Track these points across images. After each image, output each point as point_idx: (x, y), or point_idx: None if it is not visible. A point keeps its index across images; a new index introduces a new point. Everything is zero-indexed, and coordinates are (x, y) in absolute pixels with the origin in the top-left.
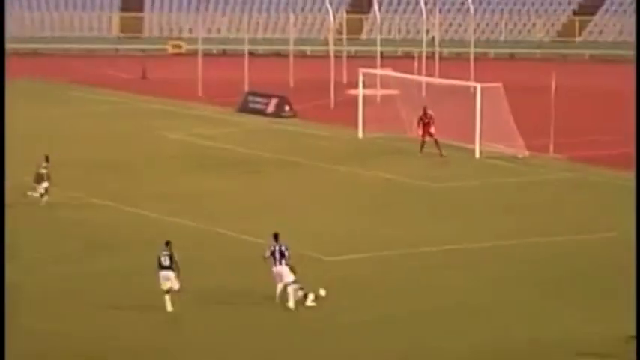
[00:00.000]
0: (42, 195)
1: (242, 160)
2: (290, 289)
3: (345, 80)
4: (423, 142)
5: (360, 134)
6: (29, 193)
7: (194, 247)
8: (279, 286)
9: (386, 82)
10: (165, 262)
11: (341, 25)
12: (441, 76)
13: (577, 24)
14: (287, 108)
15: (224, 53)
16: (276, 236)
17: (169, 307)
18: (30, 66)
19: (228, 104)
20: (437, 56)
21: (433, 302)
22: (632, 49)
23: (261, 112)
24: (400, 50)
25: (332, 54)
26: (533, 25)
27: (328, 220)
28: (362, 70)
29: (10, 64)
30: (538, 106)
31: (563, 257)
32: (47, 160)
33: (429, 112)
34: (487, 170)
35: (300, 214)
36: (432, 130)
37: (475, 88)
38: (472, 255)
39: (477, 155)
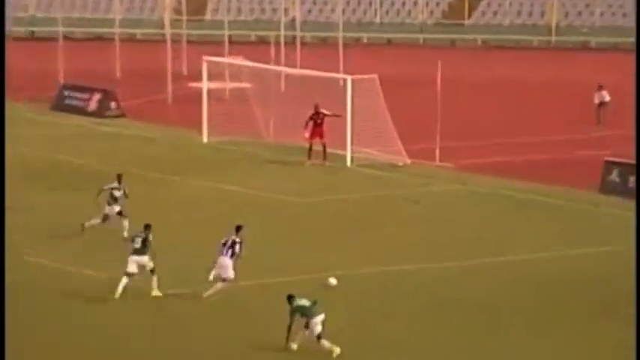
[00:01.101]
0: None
1: (56, 170)
2: (219, 285)
3: (185, 71)
4: (311, 147)
5: (205, 138)
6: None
7: None
8: (212, 274)
9: (236, 74)
10: (137, 244)
11: (179, 2)
12: (303, 66)
13: (466, 4)
14: (113, 105)
15: (32, 36)
16: (238, 228)
17: (119, 292)
18: None
19: (39, 101)
20: (298, 41)
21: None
22: (535, 34)
23: (81, 111)
24: (253, 34)
25: (169, 38)
26: (415, 4)
27: (158, 247)
28: (206, 59)
29: None
30: (421, 102)
31: (456, 283)
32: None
33: (322, 110)
34: (360, 181)
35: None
36: (324, 132)
37: (345, 80)
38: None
39: (349, 163)
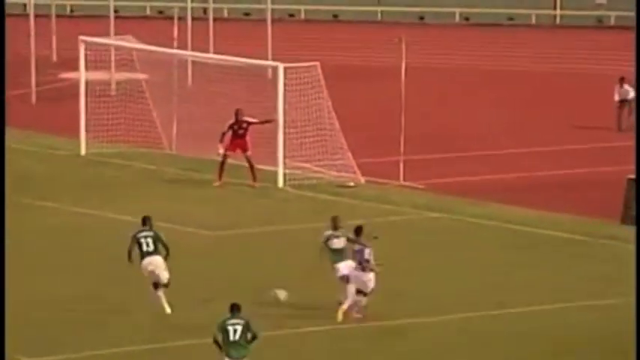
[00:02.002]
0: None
1: None
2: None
3: (55, 57)
4: (224, 162)
5: (83, 148)
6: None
7: None
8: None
9: (126, 61)
10: (149, 246)
11: None
12: (217, 51)
13: None
14: None
15: None
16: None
17: (168, 309)
18: None
19: None
20: (210, 17)
21: None
22: (533, 7)
23: None
24: (148, 6)
25: (32, 11)
26: None
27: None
28: (83, 39)
29: None
30: (379, 99)
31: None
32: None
33: (246, 118)
34: (296, 208)
35: None
36: (247, 144)
37: (275, 69)
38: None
39: (281, 183)
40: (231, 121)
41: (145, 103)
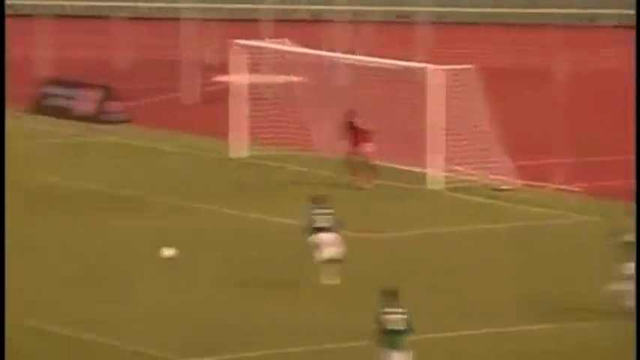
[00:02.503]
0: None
1: (38, 193)
2: None
3: (209, 60)
4: (351, 161)
5: (232, 151)
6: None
7: None
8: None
9: (279, 64)
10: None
11: None
12: (371, 52)
13: None
14: (114, 106)
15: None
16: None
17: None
18: None
19: (14, 101)
20: (357, 20)
21: None
22: None
23: (70, 114)
24: (305, 10)
25: (186, 16)
26: None
27: (186, 301)
28: (237, 43)
29: None
30: (532, 102)
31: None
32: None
33: (356, 118)
34: (446, 210)
35: (136, 285)
36: (368, 146)
37: (427, 71)
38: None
39: (434, 185)
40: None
41: (297, 105)
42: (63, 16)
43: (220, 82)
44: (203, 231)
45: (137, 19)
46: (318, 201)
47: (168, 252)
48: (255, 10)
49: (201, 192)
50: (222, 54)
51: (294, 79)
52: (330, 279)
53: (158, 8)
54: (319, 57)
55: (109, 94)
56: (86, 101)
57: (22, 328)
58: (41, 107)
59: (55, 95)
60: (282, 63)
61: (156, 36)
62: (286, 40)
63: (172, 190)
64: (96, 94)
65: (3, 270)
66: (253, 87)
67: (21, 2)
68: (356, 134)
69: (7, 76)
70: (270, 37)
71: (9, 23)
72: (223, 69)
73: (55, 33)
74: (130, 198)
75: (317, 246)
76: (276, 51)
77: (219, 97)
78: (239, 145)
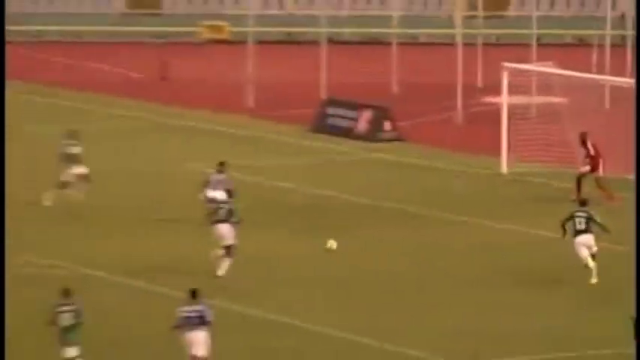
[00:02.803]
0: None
1: (317, 208)
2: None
3: (479, 82)
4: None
5: (504, 167)
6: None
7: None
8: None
9: (545, 85)
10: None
11: None
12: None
13: None
14: (388, 125)
15: (289, 39)
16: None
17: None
18: None
19: (296, 120)
20: (628, 43)
21: None
22: None
23: (347, 133)
24: (570, 34)
25: (460, 40)
26: None
27: (463, 313)
28: (507, 66)
29: None
30: None
31: None
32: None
33: (588, 142)
34: None
35: (413, 302)
36: (599, 165)
37: None
38: None
39: None
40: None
41: (562, 126)
42: (342, 42)
43: (491, 103)
44: (475, 243)
45: (414, 44)
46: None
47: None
48: (524, 34)
49: (473, 206)
50: (493, 76)
51: (558, 99)
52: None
53: (431, 34)
54: (582, 79)
55: (385, 114)
56: (364, 121)
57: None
58: (322, 126)
59: (336, 115)
60: (547, 84)
61: (431, 60)
62: (551, 62)
63: (445, 205)
64: (373, 115)
65: (3, 270)
66: (521, 107)
67: (303, 30)
68: (588, 154)
69: (287, 98)
70: (537, 60)
71: (294, 50)
72: (494, 90)
73: (334, 57)
74: (401, 212)
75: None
76: (541, 73)
77: (490, 116)
78: (508, 162)
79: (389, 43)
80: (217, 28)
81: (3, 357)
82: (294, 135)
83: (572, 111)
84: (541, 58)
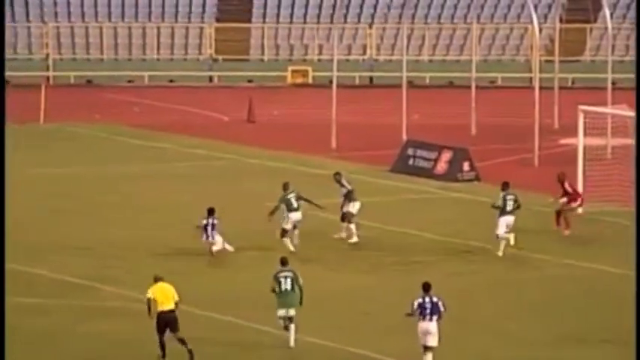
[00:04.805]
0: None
1: (397, 246)
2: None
3: (556, 124)
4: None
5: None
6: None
7: None
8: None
9: (621, 127)
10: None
11: (551, 38)
12: None
13: None
14: (466, 166)
15: (370, 83)
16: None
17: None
18: (77, 102)
19: (377, 161)
20: None
21: None
22: None
23: (427, 173)
24: None
25: (537, 83)
26: None
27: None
28: (583, 109)
29: (40, 97)
30: None
31: None
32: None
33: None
34: None
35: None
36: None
37: None
38: None
39: None
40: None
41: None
42: (423, 86)
43: (566, 144)
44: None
45: (492, 87)
46: None
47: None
48: (599, 78)
49: (537, 242)
50: (568, 118)
51: (632, 141)
52: None
53: (509, 78)
54: None
55: (464, 155)
56: (443, 162)
57: None
58: (403, 167)
59: (416, 156)
60: (621, 126)
61: (509, 103)
62: (625, 105)
63: (519, 242)
64: (452, 156)
65: (3, 268)
66: (596, 148)
67: (384, 74)
68: (564, 193)
69: (369, 140)
70: (612, 103)
71: (376, 93)
72: (569, 132)
73: (415, 100)
74: (479, 249)
75: None
76: (616, 115)
77: (565, 158)
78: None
79: (468, 87)
80: (301, 73)
81: (3, 356)
82: (374, 175)
83: None
84: (616, 102)
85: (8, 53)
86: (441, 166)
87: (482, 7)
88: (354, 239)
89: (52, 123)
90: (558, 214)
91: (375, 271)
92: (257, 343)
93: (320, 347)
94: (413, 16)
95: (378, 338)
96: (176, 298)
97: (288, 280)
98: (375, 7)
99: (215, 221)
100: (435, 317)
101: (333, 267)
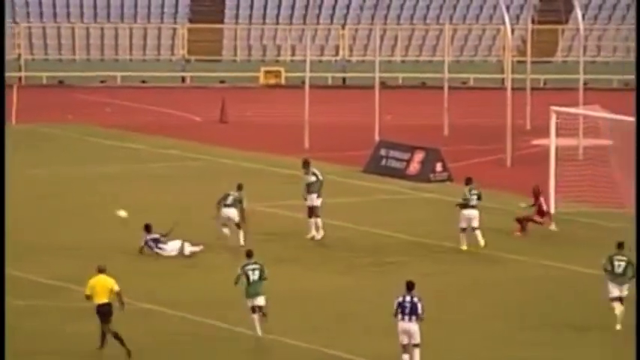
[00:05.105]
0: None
1: (370, 246)
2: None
3: (528, 124)
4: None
5: (552, 207)
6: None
7: None
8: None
9: (592, 128)
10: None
11: (523, 39)
12: None
13: None
14: (439, 167)
15: (343, 84)
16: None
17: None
18: (49, 102)
19: (350, 161)
20: None
21: None
22: None
23: (399, 174)
24: (615, 79)
25: (509, 84)
26: None
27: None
28: (555, 109)
29: (12, 97)
30: None
31: None
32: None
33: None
34: None
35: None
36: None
37: None
38: None
39: None
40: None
41: (608, 166)
42: (395, 87)
43: (539, 145)
44: (518, 278)
45: (464, 88)
46: None
47: (122, 213)
48: (571, 79)
49: (510, 243)
50: (540, 119)
51: (604, 141)
52: None
53: (481, 79)
54: (628, 122)
55: (436, 156)
56: (415, 163)
57: None
58: (375, 167)
59: (388, 157)
60: (593, 126)
61: (481, 104)
62: (597, 105)
63: (492, 243)
64: (424, 156)
65: (3, 268)
66: (568, 149)
67: (357, 75)
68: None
69: (341, 140)
70: (584, 104)
71: (348, 94)
72: (542, 133)
73: (387, 101)
74: (450, 249)
75: None
76: (588, 116)
77: (537, 158)
78: (555, 202)
79: (440, 87)
80: (274, 74)
81: (3, 357)
82: (347, 175)
83: (618, 153)
84: (587, 102)
85: None
86: (414, 167)
87: (454, 8)
88: (321, 234)
89: (25, 124)
90: (521, 220)
91: (349, 271)
92: (230, 341)
93: (294, 348)
94: (385, 17)
95: (353, 339)
96: (116, 289)
97: (257, 272)
98: (347, 8)
99: (155, 236)
100: (413, 318)
101: (308, 267)
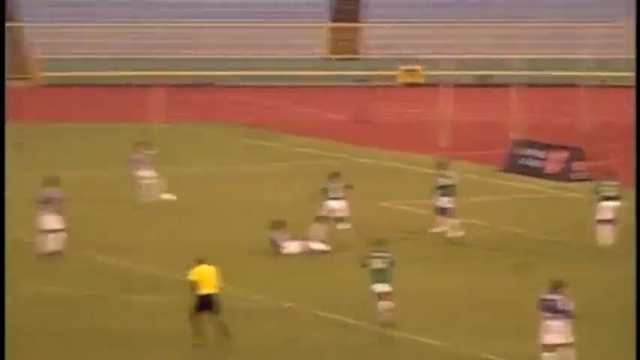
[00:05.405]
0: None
1: (508, 246)
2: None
3: None
4: None
5: None
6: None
7: None
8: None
9: None
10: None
11: None
12: None
13: None
14: (579, 166)
15: (482, 82)
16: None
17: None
18: (190, 104)
19: (487, 160)
20: None
21: None
22: None
23: (537, 172)
24: None
25: None
26: None
27: None
28: None
29: (156, 98)
30: None
31: None
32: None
33: None
34: None
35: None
36: None
37: None
38: None
39: None
40: None
41: None
42: (533, 85)
43: None
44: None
45: (600, 86)
46: None
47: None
48: None
49: None
50: None
51: None
52: None
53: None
54: None
55: (576, 154)
56: (554, 161)
57: None
58: (513, 166)
59: (526, 155)
60: None
61: (618, 101)
62: None
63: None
64: (564, 155)
65: (3, 270)
66: None
67: (495, 73)
68: None
69: (478, 139)
70: None
71: (486, 92)
72: None
73: (527, 101)
74: (591, 250)
75: None
76: None
77: None
78: None
79: (576, 85)
80: (412, 73)
81: (3, 356)
82: (485, 174)
83: None
84: None
85: None
86: (552, 166)
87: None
88: (460, 233)
89: (169, 123)
90: None
91: (486, 270)
92: (361, 342)
93: (427, 346)
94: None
95: (487, 338)
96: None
97: (387, 260)
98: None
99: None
100: (559, 316)
101: (443, 266)
